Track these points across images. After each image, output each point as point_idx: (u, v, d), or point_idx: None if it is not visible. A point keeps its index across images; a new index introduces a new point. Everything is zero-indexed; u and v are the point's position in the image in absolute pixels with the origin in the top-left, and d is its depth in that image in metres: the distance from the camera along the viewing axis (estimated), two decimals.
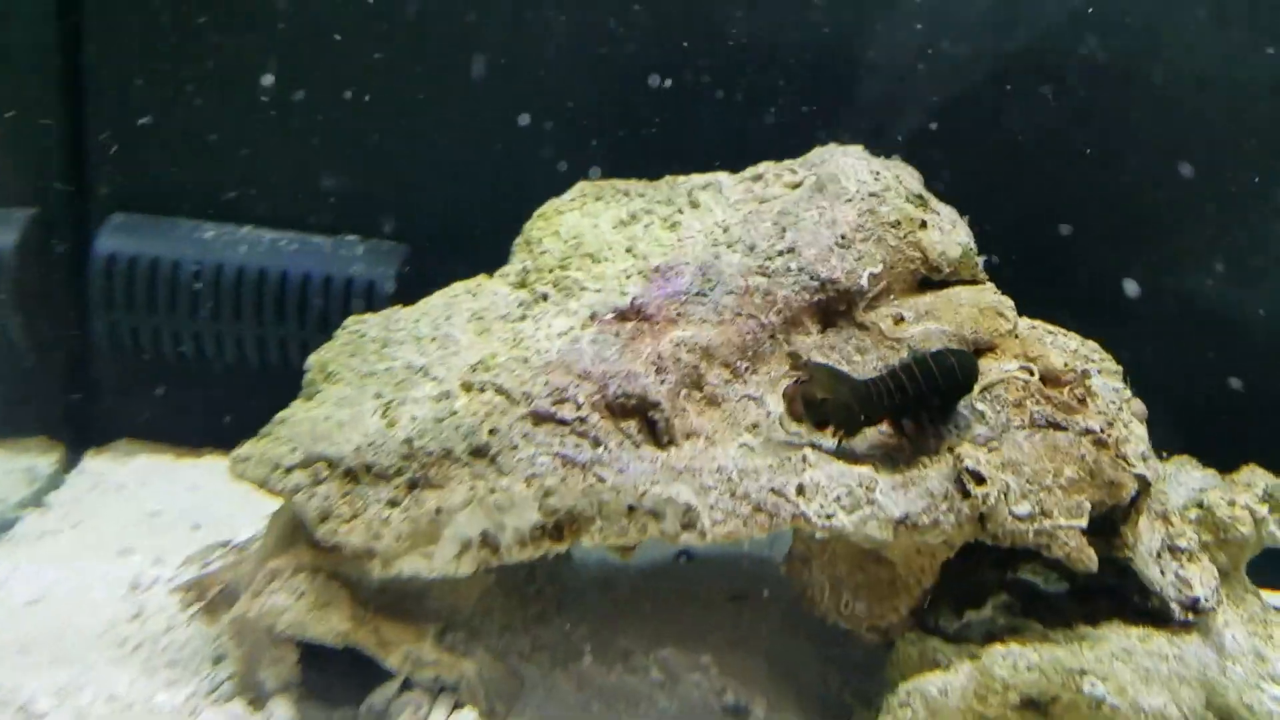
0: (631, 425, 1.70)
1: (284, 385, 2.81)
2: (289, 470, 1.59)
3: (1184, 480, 2.04)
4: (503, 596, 1.80)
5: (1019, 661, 1.52)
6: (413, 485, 1.55)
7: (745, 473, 1.57)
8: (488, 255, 2.74)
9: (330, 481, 1.55)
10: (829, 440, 1.67)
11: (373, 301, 2.79)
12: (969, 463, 1.59)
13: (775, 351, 1.96)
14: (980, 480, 1.58)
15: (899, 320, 2.01)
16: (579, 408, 1.69)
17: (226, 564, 1.87)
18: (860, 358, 1.98)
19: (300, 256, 2.77)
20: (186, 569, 1.91)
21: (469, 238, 2.79)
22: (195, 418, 2.82)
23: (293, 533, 1.66)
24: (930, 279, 2.09)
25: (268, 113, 2.71)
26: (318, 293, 2.78)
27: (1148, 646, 1.60)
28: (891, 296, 2.07)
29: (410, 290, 2.94)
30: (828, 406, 1.65)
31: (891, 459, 1.66)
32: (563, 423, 1.66)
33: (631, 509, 1.53)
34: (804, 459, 1.60)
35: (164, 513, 2.47)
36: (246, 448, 1.66)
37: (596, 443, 1.65)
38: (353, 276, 2.80)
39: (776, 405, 1.87)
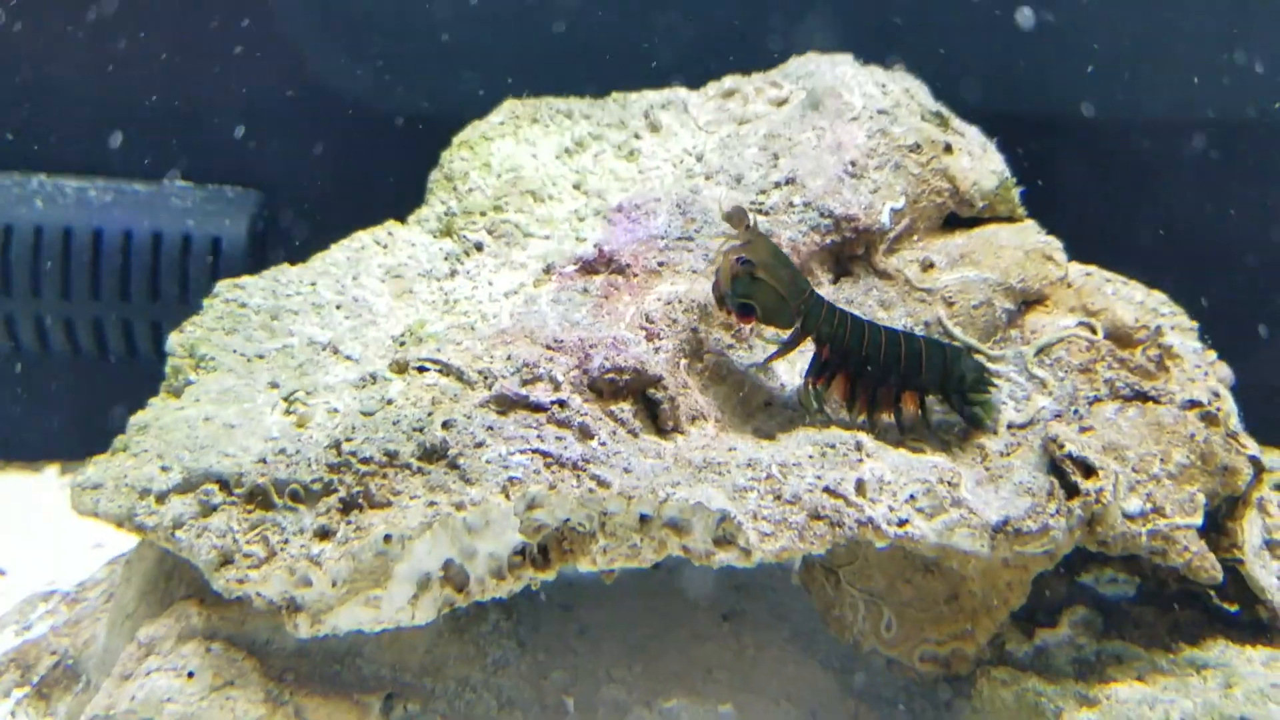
0: (625, 408, 1.49)
1: (108, 376, 2.53)
2: (163, 497, 1.29)
3: None
4: (456, 642, 1.56)
5: (1168, 713, 1.36)
6: (348, 506, 1.28)
7: (787, 467, 1.38)
8: (380, 197, 2.47)
9: (227, 509, 1.27)
10: (753, 351, 1.56)
11: (220, 264, 2.49)
12: (1071, 447, 1.44)
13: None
14: (1089, 471, 1.44)
15: (928, 266, 1.87)
16: (557, 387, 1.46)
17: (57, 624, 1.55)
18: (885, 314, 1.82)
19: (117, 210, 2.46)
20: None
21: (349, 176, 2.53)
22: None
23: (166, 583, 1.37)
24: (959, 215, 1.96)
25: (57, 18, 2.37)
26: (143, 253, 2.46)
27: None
28: (916, 237, 1.92)
29: (269, 249, 2.71)
30: (759, 291, 1.52)
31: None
32: (538, 408, 1.43)
33: (645, 520, 1.32)
34: (856, 445, 1.43)
35: None
36: (94, 470, 1.34)
37: (586, 433, 1.42)
38: (189, 232, 2.49)
39: (790, 375, 1.70)
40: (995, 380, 1.61)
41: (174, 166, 2.53)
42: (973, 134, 2.05)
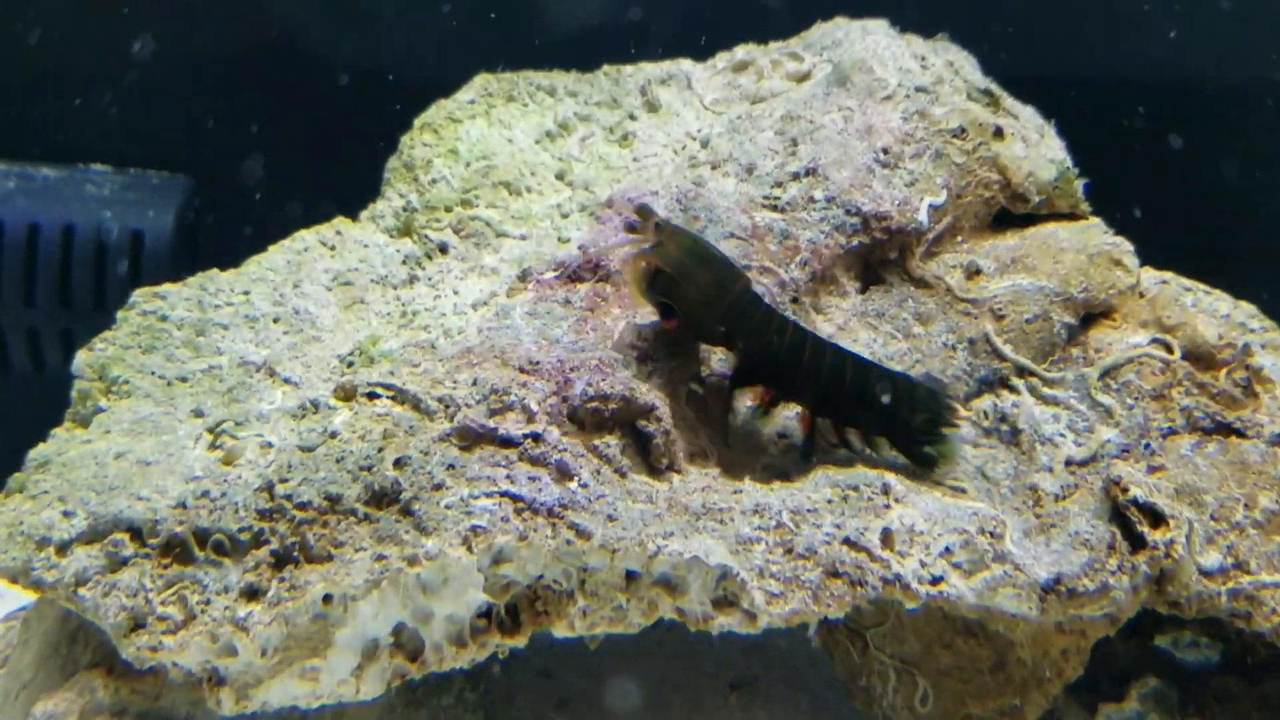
0: (611, 442, 1.50)
1: (7, 395, 2.55)
2: (65, 548, 1.30)
3: None
4: (411, 718, 1.57)
5: None
6: (281, 560, 1.29)
7: (800, 514, 1.39)
8: (331, 184, 2.48)
9: (139, 563, 1.28)
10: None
11: (141, 263, 2.51)
12: (1137, 492, 1.44)
13: (801, 322, 1.79)
14: (1158, 519, 1.44)
15: (974, 273, 1.88)
16: (530, 418, 1.47)
17: None
18: (923, 329, 1.83)
19: (20, 198, 2.49)
20: None
21: (291, 161, 2.54)
22: None
23: (69, 648, 1.38)
24: (1011, 212, 1.97)
25: None
26: (51, 250, 2.48)
27: None
28: (959, 238, 1.93)
29: (201, 246, 2.72)
30: (677, 294, 1.53)
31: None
32: (508, 443, 1.44)
33: (633, 578, 1.33)
34: (883, 487, 1.44)
35: None
36: None
37: (564, 473, 1.43)
38: (104, 224, 2.51)
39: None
40: (954, 420, 1.61)
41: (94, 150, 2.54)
42: (1028, 115, 2.06)
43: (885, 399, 1.54)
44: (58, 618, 1.39)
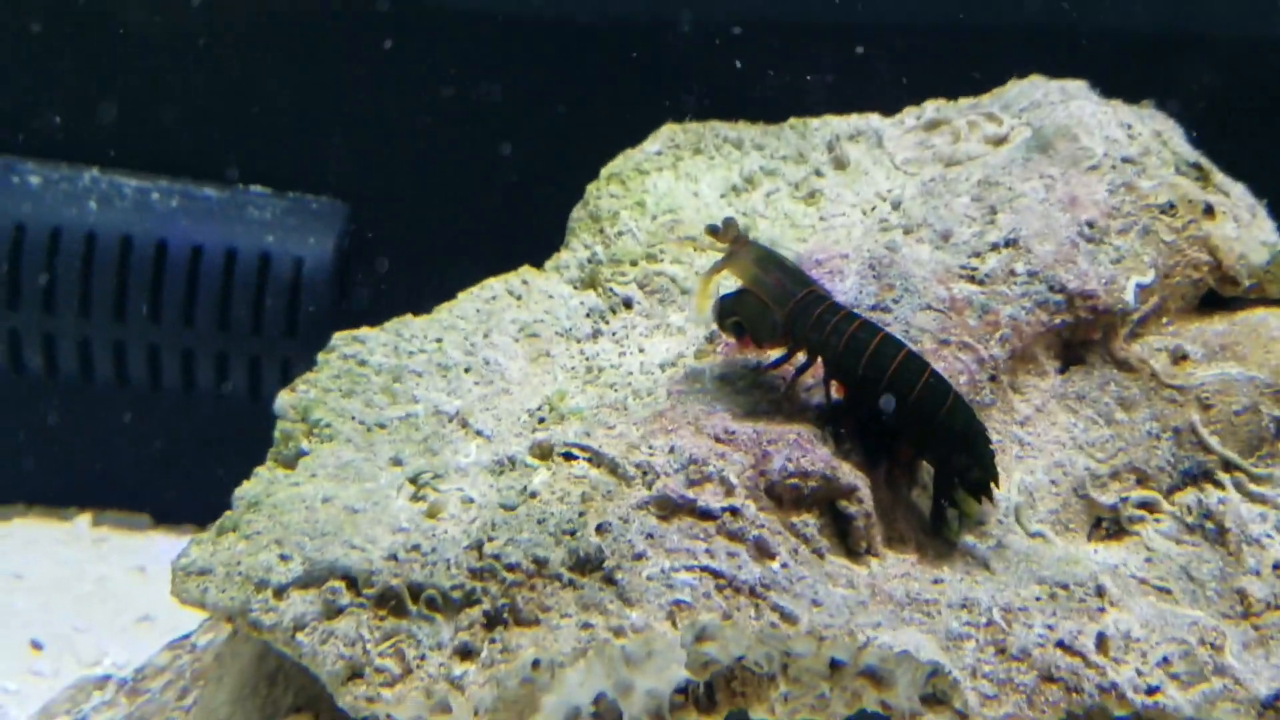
0: (809, 521, 1.56)
1: (160, 413, 2.68)
2: (283, 591, 1.40)
3: None
4: None
5: None
6: (492, 621, 1.38)
7: (1011, 612, 1.43)
8: (497, 219, 2.60)
9: (356, 612, 1.37)
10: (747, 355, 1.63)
11: (299, 289, 2.64)
12: None
13: (999, 401, 1.84)
14: None
15: (1180, 358, 1.90)
16: (729, 491, 1.54)
17: (118, 716, 1.68)
18: (1126, 415, 1.87)
19: (184, 219, 2.62)
20: None
21: (456, 189, 2.64)
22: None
23: (269, 689, 1.48)
24: (1218, 294, 1.99)
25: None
26: (213, 274, 2.62)
27: None
28: (1165, 320, 1.96)
29: (361, 275, 2.83)
30: (743, 305, 1.61)
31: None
32: (706, 515, 1.52)
33: (837, 667, 1.38)
34: (1097, 589, 1.48)
35: None
36: (200, 552, 1.46)
37: (763, 550, 1.50)
38: (268, 250, 2.64)
39: (1006, 487, 1.76)
40: (994, 490, 1.63)
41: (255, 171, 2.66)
42: (1239, 193, 2.08)
43: (969, 440, 1.58)
44: (254, 656, 1.49)
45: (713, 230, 1.65)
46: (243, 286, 2.56)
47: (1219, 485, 1.80)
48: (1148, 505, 1.79)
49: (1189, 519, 1.77)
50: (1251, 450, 1.82)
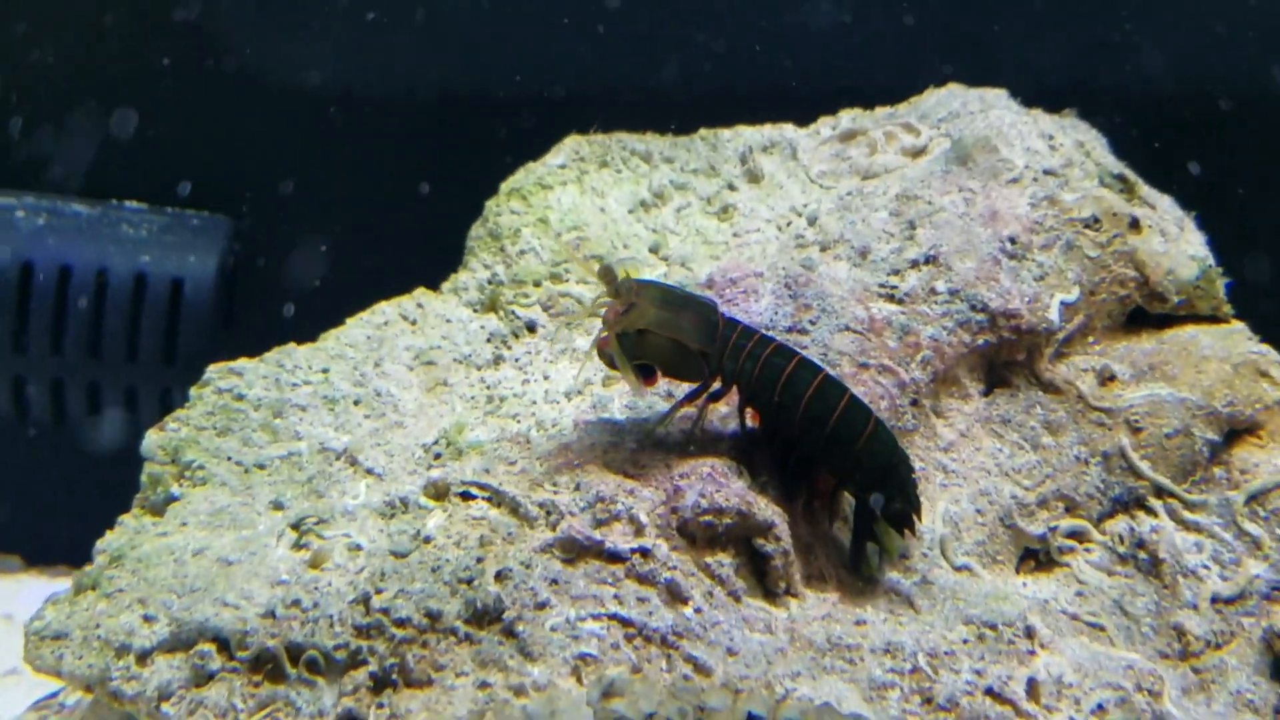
0: (725, 561, 1.51)
1: (33, 452, 2.55)
2: (146, 657, 1.31)
3: None
4: None
5: None
6: (380, 683, 1.30)
7: (936, 657, 1.39)
8: (399, 235, 2.52)
9: (227, 678, 1.28)
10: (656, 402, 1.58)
11: (179, 314, 2.54)
12: None
13: (921, 427, 1.80)
14: None
15: (1108, 379, 1.88)
16: (639, 530, 1.48)
17: None
18: (1053, 439, 1.84)
19: (50, 238, 2.51)
20: None
21: (352, 205, 2.57)
22: None
23: None
24: (1145, 311, 1.98)
25: None
26: (81, 299, 2.50)
27: None
28: (1091, 339, 1.94)
29: (245, 295, 2.73)
30: (647, 345, 1.53)
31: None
32: (615, 557, 1.45)
33: None
34: (1026, 630, 1.44)
35: None
36: (54, 613, 1.36)
37: (676, 594, 1.44)
38: (144, 270, 2.53)
39: (930, 518, 1.72)
40: (916, 526, 1.60)
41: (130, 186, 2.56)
42: (1166, 205, 2.07)
43: (892, 471, 1.55)
44: (120, 717, 1.40)
45: (604, 275, 1.56)
46: (116, 310, 2.43)
47: (1151, 512, 1.78)
48: (1077, 534, 1.77)
49: (1121, 548, 1.75)
50: (1185, 475, 1.80)
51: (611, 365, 1.55)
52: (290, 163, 2.60)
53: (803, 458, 1.59)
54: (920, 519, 1.60)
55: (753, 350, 1.55)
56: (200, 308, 2.52)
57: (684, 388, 1.61)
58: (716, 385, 1.59)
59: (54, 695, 1.82)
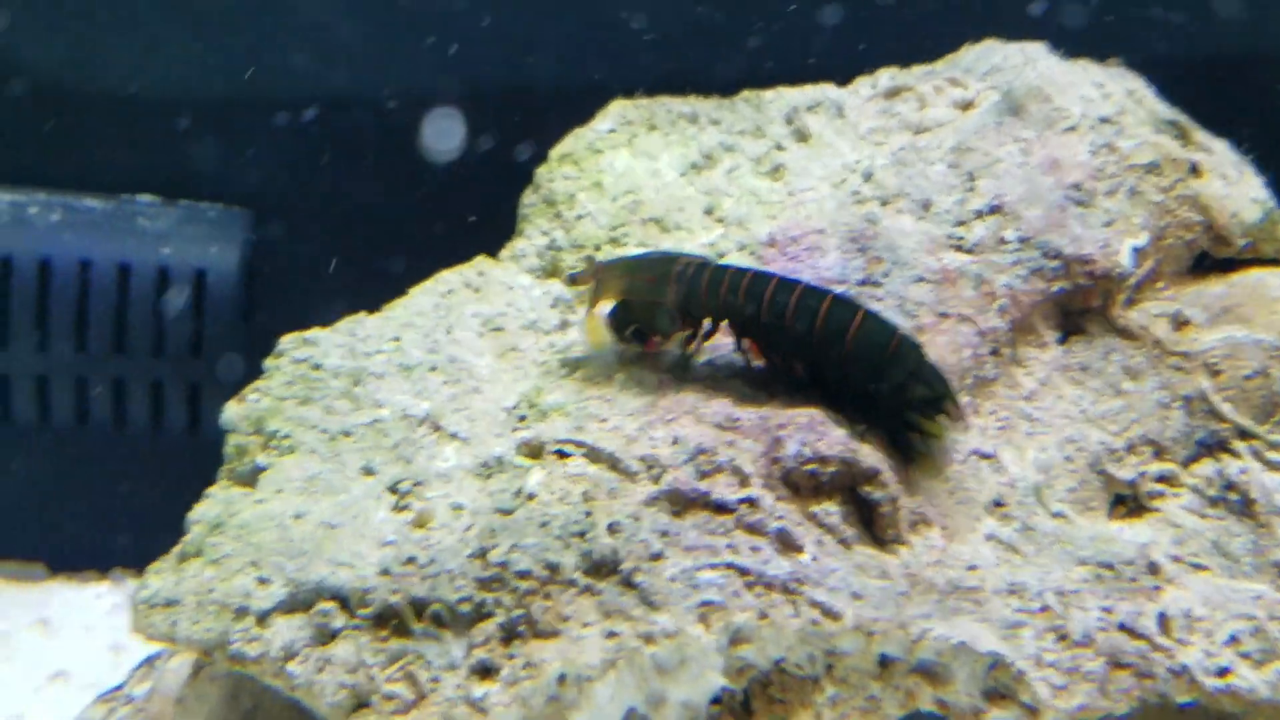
0: (831, 509, 1.50)
1: (54, 447, 2.51)
2: (266, 618, 1.29)
3: None
4: None
5: None
6: (509, 634, 1.28)
7: (1065, 595, 1.38)
8: (423, 217, 2.50)
9: (353, 635, 1.26)
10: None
11: (204, 303, 2.51)
12: None
13: (1002, 375, 1.80)
14: None
15: (1182, 323, 1.89)
16: (744, 481, 1.47)
17: None
18: (1134, 385, 1.84)
19: (67, 232, 2.48)
20: None
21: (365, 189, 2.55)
22: None
23: None
24: (1210, 256, 1.99)
25: None
26: (105, 290, 2.47)
27: None
28: (1161, 284, 1.94)
29: (268, 283, 2.71)
30: (632, 311, 1.63)
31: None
32: (722, 508, 1.44)
33: (888, 664, 1.31)
34: (1149, 566, 1.44)
35: None
36: (160, 581, 1.34)
37: (788, 543, 1.43)
38: (166, 263, 2.50)
39: (1020, 466, 1.72)
40: (955, 411, 1.61)
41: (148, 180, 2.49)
42: (1222, 150, 2.08)
43: (891, 367, 1.56)
44: (224, 698, 1.38)
45: (573, 280, 1.72)
46: (139, 304, 2.41)
47: (1235, 454, 1.78)
48: (1166, 478, 1.77)
49: (1210, 491, 1.75)
50: (1266, 416, 1.80)
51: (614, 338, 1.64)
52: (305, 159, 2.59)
53: (817, 375, 1.61)
54: (953, 400, 1.59)
55: (730, 282, 1.58)
56: (224, 300, 2.49)
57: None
58: (707, 324, 1.63)
59: (119, 688, 1.80)
